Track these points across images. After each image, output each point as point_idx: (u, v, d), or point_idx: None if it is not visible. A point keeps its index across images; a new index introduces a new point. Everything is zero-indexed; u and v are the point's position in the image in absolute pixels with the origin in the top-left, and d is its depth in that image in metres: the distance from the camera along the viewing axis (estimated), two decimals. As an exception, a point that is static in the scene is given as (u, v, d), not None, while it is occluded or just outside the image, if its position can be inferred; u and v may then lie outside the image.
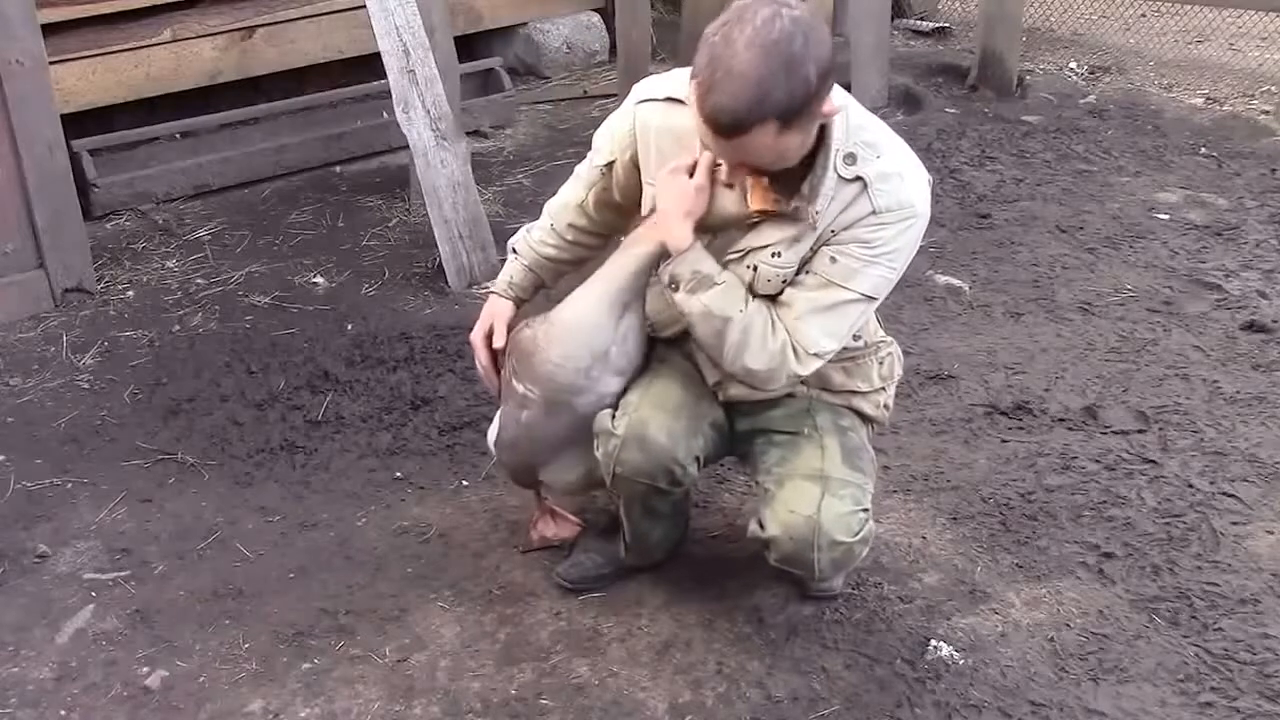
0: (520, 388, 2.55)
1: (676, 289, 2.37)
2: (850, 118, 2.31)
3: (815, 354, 2.36)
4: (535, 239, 2.73)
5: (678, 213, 2.36)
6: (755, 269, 2.38)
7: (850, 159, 2.28)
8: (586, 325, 2.47)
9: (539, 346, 2.51)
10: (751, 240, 2.38)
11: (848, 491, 2.44)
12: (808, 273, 2.36)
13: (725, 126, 2.11)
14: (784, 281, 2.38)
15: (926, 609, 2.73)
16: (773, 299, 2.39)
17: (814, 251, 2.35)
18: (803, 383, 2.54)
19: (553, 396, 2.53)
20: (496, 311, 2.73)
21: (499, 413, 2.74)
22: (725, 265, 2.40)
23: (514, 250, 2.76)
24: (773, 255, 2.36)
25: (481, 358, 2.73)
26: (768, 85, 2.06)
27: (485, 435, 2.89)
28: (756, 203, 2.30)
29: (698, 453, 2.50)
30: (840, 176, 2.29)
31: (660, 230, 2.39)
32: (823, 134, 2.27)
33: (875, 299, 2.36)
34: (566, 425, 2.57)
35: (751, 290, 2.39)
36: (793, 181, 2.31)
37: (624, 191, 2.57)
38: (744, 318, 2.35)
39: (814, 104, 2.13)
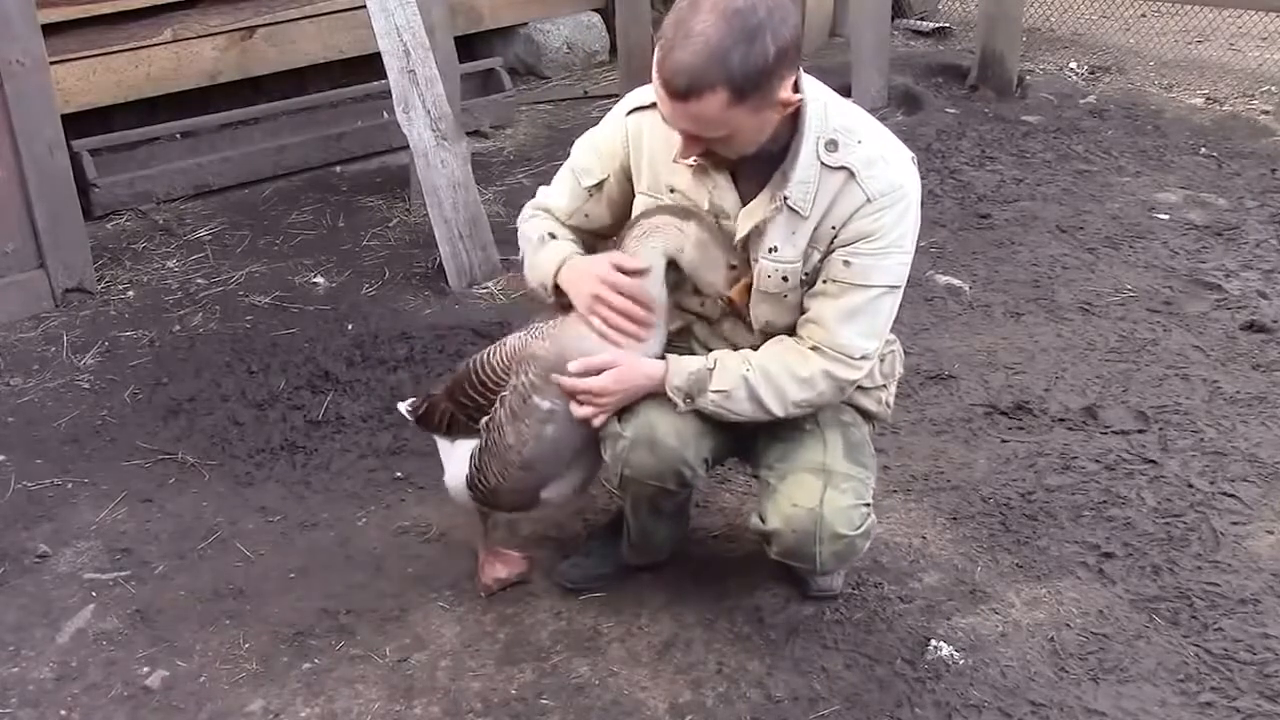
0: (545, 403, 2.48)
1: (691, 401, 2.40)
2: (829, 107, 2.34)
3: (862, 357, 2.38)
4: (558, 229, 2.58)
5: (634, 365, 2.39)
6: (755, 263, 2.40)
7: (832, 145, 2.30)
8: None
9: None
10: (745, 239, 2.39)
11: (850, 485, 2.45)
12: (825, 281, 2.37)
13: (679, 89, 2.13)
14: (784, 279, 2.39)
15: (926, 609, 2.73)
16: (775, 300, 2.41)
17: (819, 253, 2.36)
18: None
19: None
20: (596, 261, 2.43)
21: (474, 449, 2.61)
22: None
23: (550, 235, 2.55)
24: (769, 250, 2.38)
25: (623, 283, 2.38)
26: (724, 50, 2.10)
27: (448, 480, 2.73)
28: (737, 294, 2.40)
29: (706, 454, 2.50)
30: (824, 165, 2.31)
31: (640, 389, 2.41)
32: (796, 121, 2.30)
33: (899, 286, 2.38)
34: (586, 432, 2.52)
35: (755, 289, 2.41)
36: (766, 168, 2.34)
37: (613, 207, 2.57)
38: (756, 372, 2.37)
39: (769, 81, 2.15)
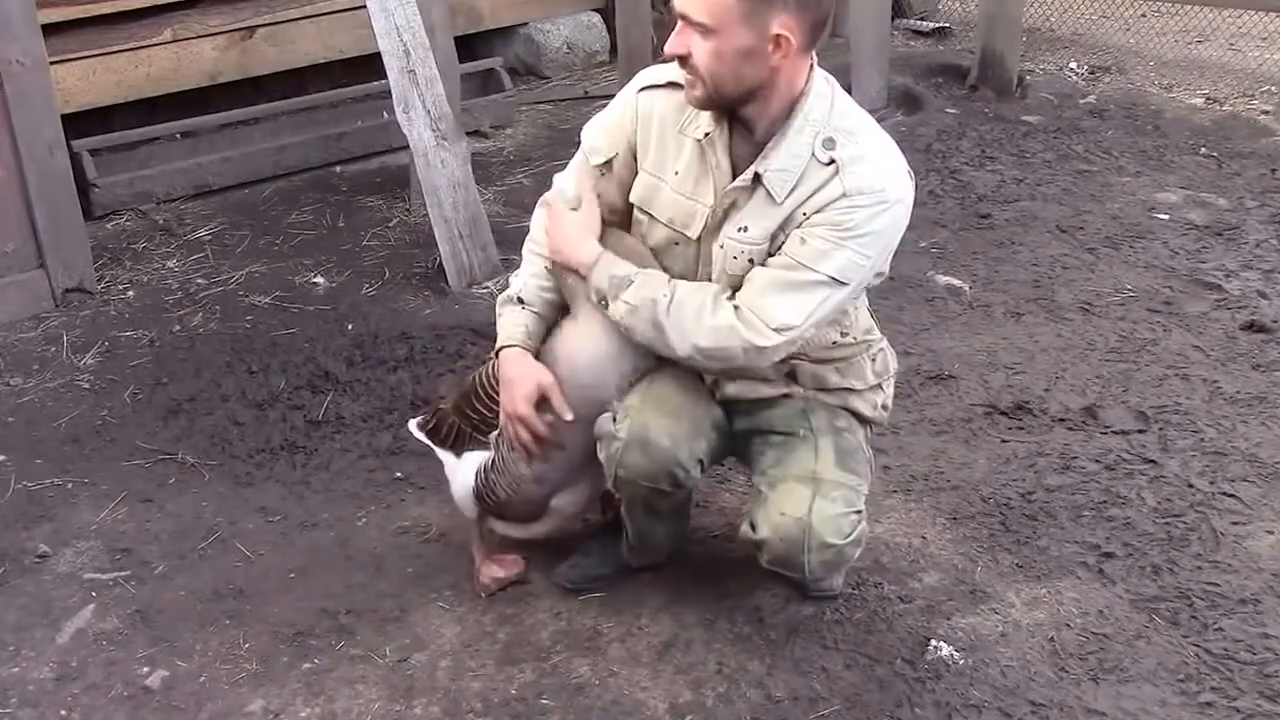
0: (548, 416, 2.50)
1: (605, 304, 2.39)
2: (835, 105, 2.34)
3: (778, 328, 2.30)
4: (535, 285, 2.58)
5: (576, 236, 2.43)
6: (722, 246, 2.40)
7: (829, 143, 2.31)
8: (613, 355, 2.47)
9: (565, 380, 2.48)
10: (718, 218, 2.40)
11: (839, 494, 2.44)
12: (777, 255, 2.36)
13: None
14: (750, 260, 2.38)
15: (926, 609, 2.73)
16: (738, 283, 2.40)
17: (785, 234, 2.36)
18: (798, 383, 2.55)
19: (586, 418, 2.51)
20: (538, 373, 2.49)
21: (483, 465, 2.64)
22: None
23: (519, 299, 2.56)
24: (739, 230, 2.38)
25: (537, 428, 2.48)
26: None
27: (455, 490, 2.76)
28: None
29: (700, 455, 2.50)
30: (816, 159, 2.31)
31: (568, 258, 2.43)
32: (794, 107, 2.31)
33: (845, 284, 2.32)
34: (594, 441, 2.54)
35: (722, 271, 2.40)
36: (754, 146, 2.35)
37: (622, 187, 2.54)
38: (669, 299, 2.34)
39: None
